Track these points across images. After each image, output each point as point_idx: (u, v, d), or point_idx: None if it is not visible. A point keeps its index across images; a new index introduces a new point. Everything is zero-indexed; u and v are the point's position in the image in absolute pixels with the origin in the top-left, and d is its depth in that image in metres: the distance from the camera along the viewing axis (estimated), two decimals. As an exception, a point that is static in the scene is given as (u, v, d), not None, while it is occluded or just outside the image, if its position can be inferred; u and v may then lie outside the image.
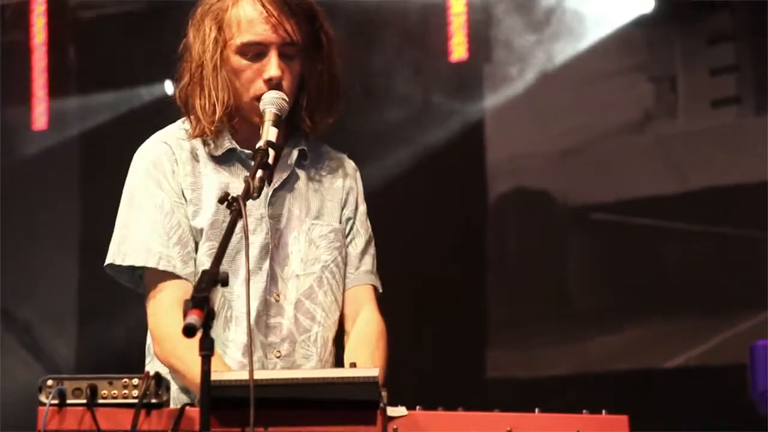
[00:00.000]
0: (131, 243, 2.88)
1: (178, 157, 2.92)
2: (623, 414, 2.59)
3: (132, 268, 2.90)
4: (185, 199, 2.90)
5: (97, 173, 6.46)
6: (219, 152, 2.94)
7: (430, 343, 6.09)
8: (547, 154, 6.35)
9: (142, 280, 2.92)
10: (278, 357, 2.89)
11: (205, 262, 2.86)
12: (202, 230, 2.89)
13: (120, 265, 2.88)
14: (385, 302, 3.06)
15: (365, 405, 2.46)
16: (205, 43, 2.90)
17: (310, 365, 2.90)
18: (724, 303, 5.88)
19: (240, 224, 2.56)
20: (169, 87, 6.33)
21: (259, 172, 2.72)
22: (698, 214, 6.03)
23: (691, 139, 6.08)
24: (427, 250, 6.15)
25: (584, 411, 2.57)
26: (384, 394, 2.47)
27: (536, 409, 2.55)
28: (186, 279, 2.86)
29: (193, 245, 2.89)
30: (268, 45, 2.88)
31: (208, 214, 2.90)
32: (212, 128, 2.90)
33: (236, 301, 2.87)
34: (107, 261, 2.90)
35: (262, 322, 2.88)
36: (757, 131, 5.95)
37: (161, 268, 2.84)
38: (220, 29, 2.90)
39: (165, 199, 2.89)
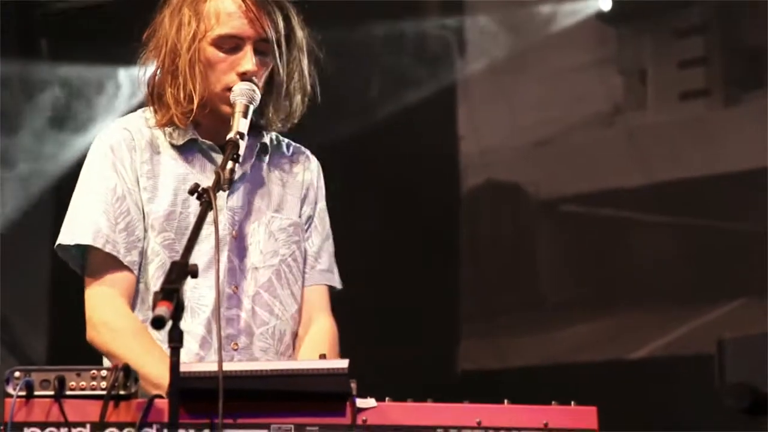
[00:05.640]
0: (80, 223, 2.88)
1: (137, 144, 2.93)
2: (592, 405, 2.61)
3: (81, 253, 2.89)
4: (139, 186, 2.90)
5: (71, 165, 6.43)
6: (180, 141, 2.95)
7: (401, 337, 6.10)
8: (518, 147, 6.36)
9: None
10: (235, 349, 2.89)
11: (159, 252, 2.87)
12: (156, 219, 2.88)
13: (69, 246, 2.88)
14: (356, 295, 3.07)
15: (335, 396, 2.47)
16: (182, 33, 2.91)
17: (267, 358, 2.90)
18: (692, 294, 5.91)
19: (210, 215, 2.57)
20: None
21: (230, 164, 2.74)
22: (666, 206, 6.06)
23: (660, 132, 6.11)
24: (399, 243, 6.16)
25: (553, 402, 2.59)
26: (353, 385, 2.49)
27: (505, 401, 2.57)
28: (128, 267, 2.87)
29: (141, 234, 2.89)
30: (244, 39, 2.91)
31: (164, 203, 2.90)
32: (184, 118, 2.91)
33: (193, 292, 2.85)
34: (57, 242, 2.90)
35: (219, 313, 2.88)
36: (725, 123, 5.98)
37: (106, 250, 2.85)
38: (198, 20, 2.91)
39: (118, 184, 2.89)
